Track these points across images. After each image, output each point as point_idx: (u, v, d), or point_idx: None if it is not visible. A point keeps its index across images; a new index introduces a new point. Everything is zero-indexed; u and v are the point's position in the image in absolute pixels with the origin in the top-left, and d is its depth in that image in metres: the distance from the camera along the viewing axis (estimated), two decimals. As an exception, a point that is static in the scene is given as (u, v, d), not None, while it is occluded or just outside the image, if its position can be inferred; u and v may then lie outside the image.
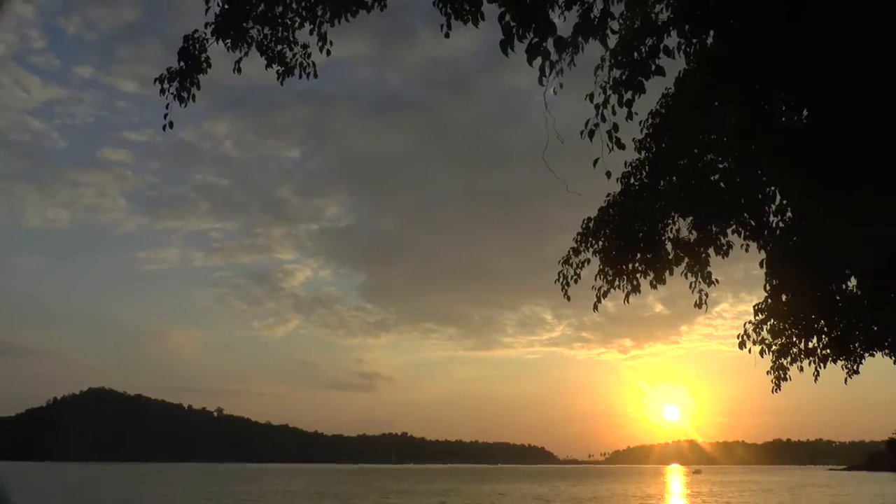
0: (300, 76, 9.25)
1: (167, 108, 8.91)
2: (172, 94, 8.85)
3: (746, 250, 10.47)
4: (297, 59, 9.25)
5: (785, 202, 9.78)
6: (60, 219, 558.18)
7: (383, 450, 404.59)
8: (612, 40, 7.46)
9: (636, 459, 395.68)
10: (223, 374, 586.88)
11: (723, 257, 10.57)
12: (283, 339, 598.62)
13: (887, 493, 72.42)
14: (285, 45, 9.09)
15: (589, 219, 10.87)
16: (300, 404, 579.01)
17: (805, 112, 9.00)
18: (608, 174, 9.68)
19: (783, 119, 9.16)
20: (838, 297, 10.80)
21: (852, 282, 10.67)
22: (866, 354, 11.77)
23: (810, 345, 11.11)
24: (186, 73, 8.86)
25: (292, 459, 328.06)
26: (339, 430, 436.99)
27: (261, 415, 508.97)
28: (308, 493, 66.69)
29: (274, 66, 9.20)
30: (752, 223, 10.23)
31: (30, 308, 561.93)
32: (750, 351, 10.96)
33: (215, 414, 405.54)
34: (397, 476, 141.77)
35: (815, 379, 11.10)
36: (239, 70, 9.18)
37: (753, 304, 11.14)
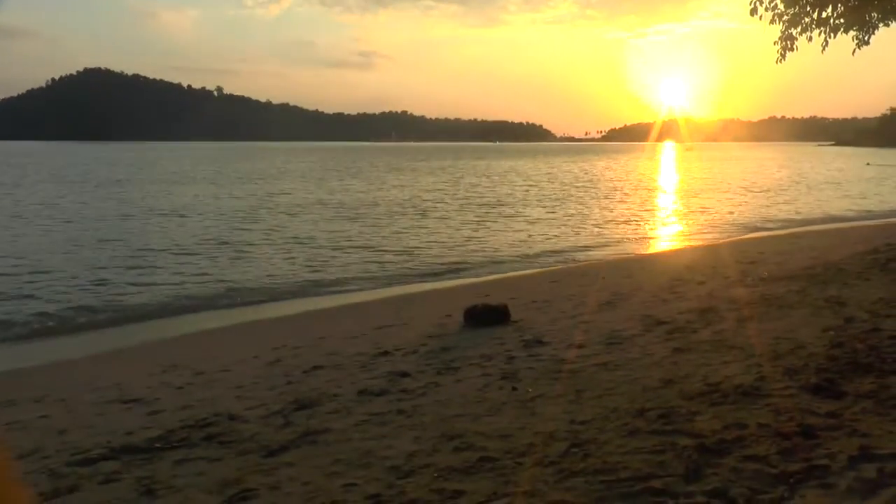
0: None
1: None
2: None
3: None
4: None
5: None
6: None
7: (384, 128, 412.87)
8: None
9: (632, 137, 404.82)
10: (220, 54, 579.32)
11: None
12: (278, 18, 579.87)
13: (845, 166, 72.60)
14: None
15: None
16: (300, 83, 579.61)
17: None
18: None
19: None
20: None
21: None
22: (881, 24, 11.35)
23: (824, 14, 10.61)
24: None
25: (294, 138, 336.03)
26: (340, 109, 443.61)
27: (261, 94, 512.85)
28: (309, 170, 69.03)
29: None
30: None
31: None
32: (761, 18, 10.49)
33: (215, 93, 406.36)
34: (398, 153, 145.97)
35: (823, 49, 10.77)
36: None
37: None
